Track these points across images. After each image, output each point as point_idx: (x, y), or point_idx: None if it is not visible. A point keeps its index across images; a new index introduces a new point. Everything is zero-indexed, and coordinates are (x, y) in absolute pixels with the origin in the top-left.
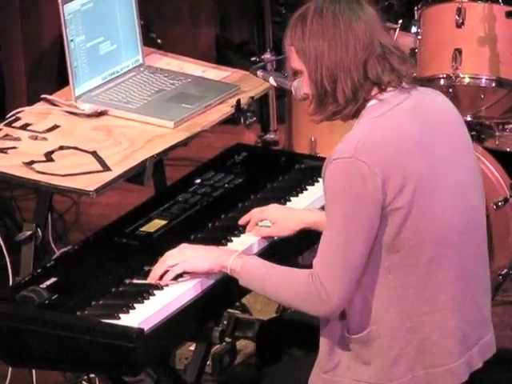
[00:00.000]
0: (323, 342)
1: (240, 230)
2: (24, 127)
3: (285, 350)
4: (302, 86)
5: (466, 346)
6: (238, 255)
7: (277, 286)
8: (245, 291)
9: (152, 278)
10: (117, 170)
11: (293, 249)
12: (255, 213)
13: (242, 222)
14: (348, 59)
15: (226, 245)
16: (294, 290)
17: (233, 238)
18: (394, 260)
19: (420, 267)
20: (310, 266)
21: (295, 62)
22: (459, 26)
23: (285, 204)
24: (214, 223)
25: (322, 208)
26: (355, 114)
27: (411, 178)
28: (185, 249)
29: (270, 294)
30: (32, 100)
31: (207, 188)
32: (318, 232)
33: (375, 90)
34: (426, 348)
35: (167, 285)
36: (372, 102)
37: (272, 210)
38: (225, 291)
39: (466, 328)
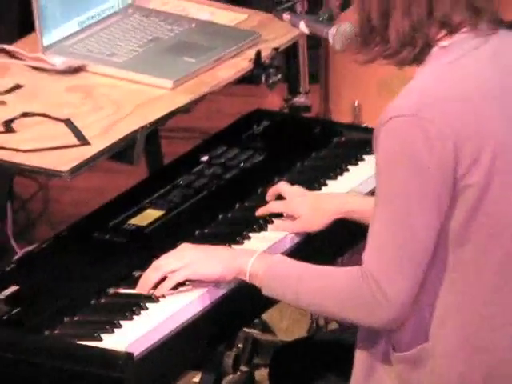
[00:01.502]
0: (359, 361)
1: (260, 224)
2: None
3: (307, 381)
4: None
5: None
6: (259, 256)
7: (315, 292)
8: (267, 304)
9: (144, 287)
10: (97, 145)
11: (331, 248)
12: (275, 206)
13: (260, 213)
14: None
15: (242, 243)
16: (340, 295)
17: (250, 234)
18: (460, 255)
19: (493, 265)
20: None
21: None
22: None
23: (319, 189)
24: (225, 214)
25: (371, 193)
26: (415, 60)
27: (489, 145)
28: (188, 249)
29: (305, 303)
30: None
31: (217, 168)
32: (360, 224)
33: (442, 33)
34: (498, 372)
35: (164, 296)
36: (440, 46)
37: (298, 201)
38: (240, 304)
39: None
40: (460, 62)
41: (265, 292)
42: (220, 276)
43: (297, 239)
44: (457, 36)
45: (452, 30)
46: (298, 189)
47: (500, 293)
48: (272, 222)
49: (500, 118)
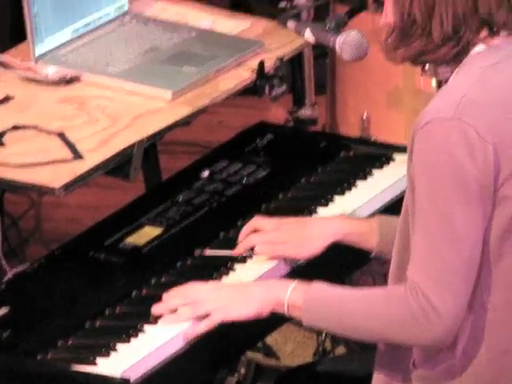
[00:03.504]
0: (377, 382)
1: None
2: None
3: None
4: (384, 13)
5: None
6: (296, 285)
7: (362, 315)
8: (270, 327)
9: (162, 309)
10: (92, 159)
11: (329, 275)
12: (256, 239)
13: (238, 251)
14: None
15: (229, 273)
16: (390, 315)
17: (235, 266)
18: (495, 271)
19: None
20: None
21: None
22: None
23: (326, 205)
24: (227, 233)
25: (379, 211)
26: (454, 59)
27: None
28: (221, 289)
29: (351, 328)
30: None
31: (218, 184)
32: (356, 248)
33: (484, 33)
34: None
35: (161, 316)
36: (479, 48)
37: (286, 228)
38: (242, 327)
39: None
40: (499, 67)
41: (306, 322)
42: (256, 314)
43: (288, 267)
44: (496, 39)
45: (494, 30)
46: (276, 220)
47: None
48: (250, 257)
49: None
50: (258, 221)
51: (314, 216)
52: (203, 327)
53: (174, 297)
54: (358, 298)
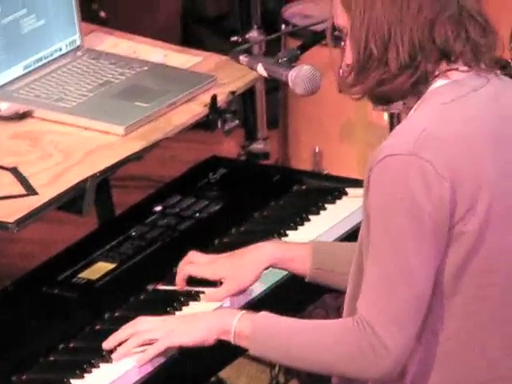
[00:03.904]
0: None
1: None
2: None
3: None
4: (345, 54)
5: None
6: (244, 314)
7: (309, 346)
8: (224, 361)
9: (110, 343)
10: (45, 194)
11: (284, 309)
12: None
13: (177, 284)
14: (409, 15)
15: (182, 308)
16: (337, 348)
17: (189, 301)
18: (451, 302)
19: (483, 317)
20: None
21: (338, 14)
22: None
23: (280, 239)
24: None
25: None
26: (411, 91)
27: (485, 190)
28: (168, 319)
29: (299, 359)
30: None
31: (171, 218)
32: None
33: (443, 65)
34: None
35: (113, 350)
36: (439, 82)
37: (220, 262)
38: (195, 363)
39: None
40: (459, 103)
41: (253, 351)
42: (201, 340)
43: (240, 304)
44: (456, 74)
45: (452, 60)
46: (212, 255)
47: (488, 348)
48: (203, 292)
49: (495, 163)
50: (193, 255)
51: None
52: (151, 352)
53: (123, 330)
54: (306, 329)
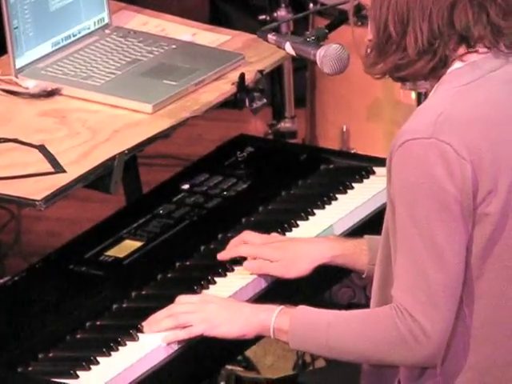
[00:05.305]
0: None
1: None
2: None
3: None
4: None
5: None
6: (282, 310)
7: (349, 337)
8: (250, 341)
9: (151, 327)
10: (73, 172)
11: (308, 290)
12: (244, 250)
13: (225, 257)
14: None
15: (209, 286)
16: (376, 337)
17: (216, 279)
18: (478, 286)
19: (509, 300)
20: (344, 307)
21: None
22: None
23: (307, 219)
24: (208, 246)
25: (360, 224)
26: (430, 74)
27: (507, 172)
28: (209, 302)
29: (339, 350)
30: None
31: (198, 197)
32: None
33: (462, 49)
34: None
35: (142, 331)
36: (457, 65)
37: (275, 246)
38: (222, 340)
39: None
40: (476, 84)
41: (293, 346)
42: (239, 335)
43: (266, 283)
44: (475, 56)
45: (471, 44)
46: (267, 236)
47: None
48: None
49: None
50: (247, 234)
51: (293, 229)
52: (183, 334)
53: (162, 315)
54: (344, 320)
